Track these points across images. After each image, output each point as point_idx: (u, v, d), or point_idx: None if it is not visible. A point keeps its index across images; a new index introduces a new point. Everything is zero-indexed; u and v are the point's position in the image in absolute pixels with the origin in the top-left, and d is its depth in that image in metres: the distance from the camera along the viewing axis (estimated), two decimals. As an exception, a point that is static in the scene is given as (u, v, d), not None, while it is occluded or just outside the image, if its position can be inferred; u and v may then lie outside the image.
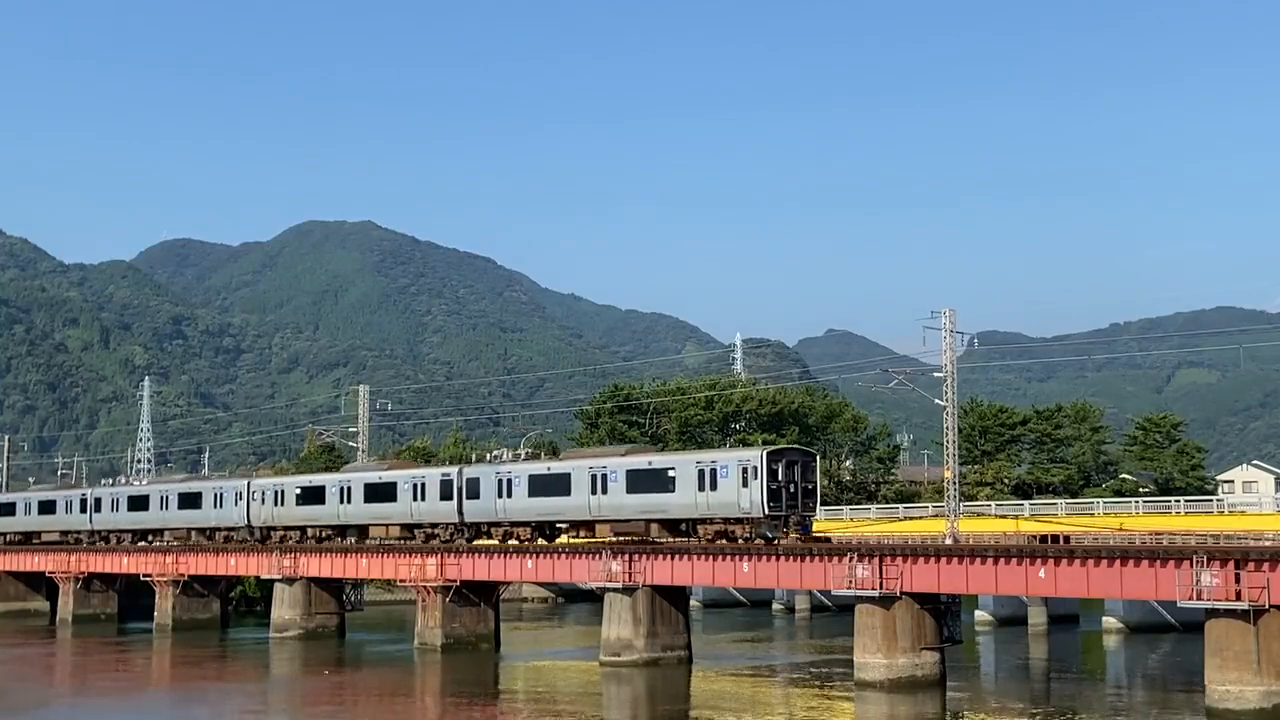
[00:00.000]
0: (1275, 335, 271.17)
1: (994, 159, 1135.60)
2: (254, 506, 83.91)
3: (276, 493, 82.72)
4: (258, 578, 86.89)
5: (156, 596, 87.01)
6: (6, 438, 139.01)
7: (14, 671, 68.05)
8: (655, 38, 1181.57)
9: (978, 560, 50.63)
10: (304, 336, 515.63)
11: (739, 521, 58.08)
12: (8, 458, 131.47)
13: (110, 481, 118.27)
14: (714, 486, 58.34)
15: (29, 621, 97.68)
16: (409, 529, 74.33)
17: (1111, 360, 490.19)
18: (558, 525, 67.90)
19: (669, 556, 59.25)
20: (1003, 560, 50.09)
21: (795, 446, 59.71)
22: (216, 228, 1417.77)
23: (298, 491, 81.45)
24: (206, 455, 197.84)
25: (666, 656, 59.77)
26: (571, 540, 66.12)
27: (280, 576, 78.01)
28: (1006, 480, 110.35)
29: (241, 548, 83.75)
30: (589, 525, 65.06)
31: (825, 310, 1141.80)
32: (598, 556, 61.28)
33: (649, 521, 61.70)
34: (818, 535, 62.24)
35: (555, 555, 65.36)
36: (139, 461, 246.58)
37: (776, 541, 56.61)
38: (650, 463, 62.65)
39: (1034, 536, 72.21)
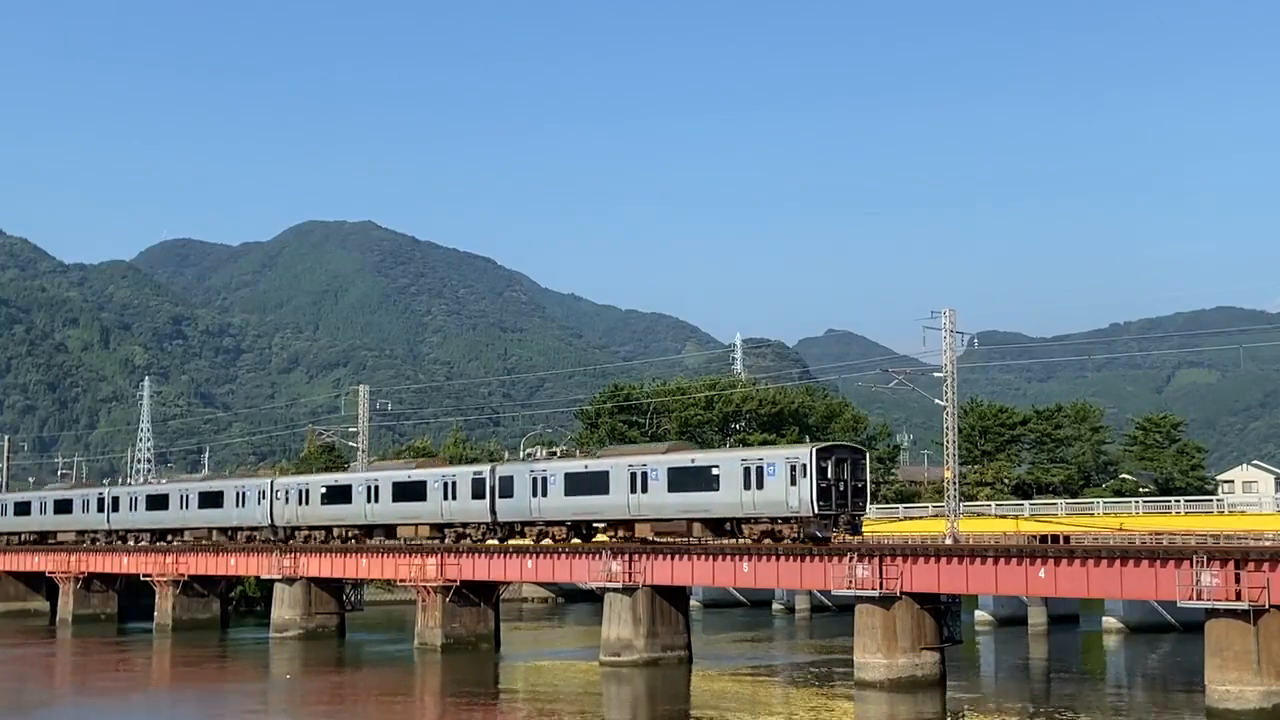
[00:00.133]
0: (1275, 335, 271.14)
1: (994, 159, 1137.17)
2: (278, 506, 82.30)
3: (301, 492, 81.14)
4: (258, 578, 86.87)
5: (156, 596, 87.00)
6: (6, 438, 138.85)
7: (14, 671, 68.03)
8: (655, 38, 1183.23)
9: (978, 560, 50.63)
10: (304, 336, 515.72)
11: (786, 521, 56.34)
12: (8, 458, 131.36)
13: (109, 481, 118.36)
14: (760, 485, 56.57)
15: (29, 621, 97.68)
16: (439, 528, 72.87)
17: (1111, 360, 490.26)
18: (594, 525, 66.34)
19: (669, 556, 59.25)
20: (1003, 560, 50.09)
21: (846, 444, 57.77)
22: (216, 228, 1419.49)
23: (323, 490, 79.78)
24: (206, 455, 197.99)
25: (666, 656, 59.77)
26: (611, 540, 64.23)
27: (280, 576, 78.00)
28: (1006, 480, 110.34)
29: (242, 548, 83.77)
30: (628, 525, 63.24)
31: (825, 310, 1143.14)
32: (598, 556, 61.26)
33: (691, 521, 59.95)
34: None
35: (555, 555, 65.34)
36: (139, 461, 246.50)
37: (828, 541, 54.88)
38: (693, 460, 60.85)
39: (1034, 536, 72.21)
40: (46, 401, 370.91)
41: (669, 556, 59.23)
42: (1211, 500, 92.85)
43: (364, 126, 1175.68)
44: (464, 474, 71.58)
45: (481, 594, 70.17)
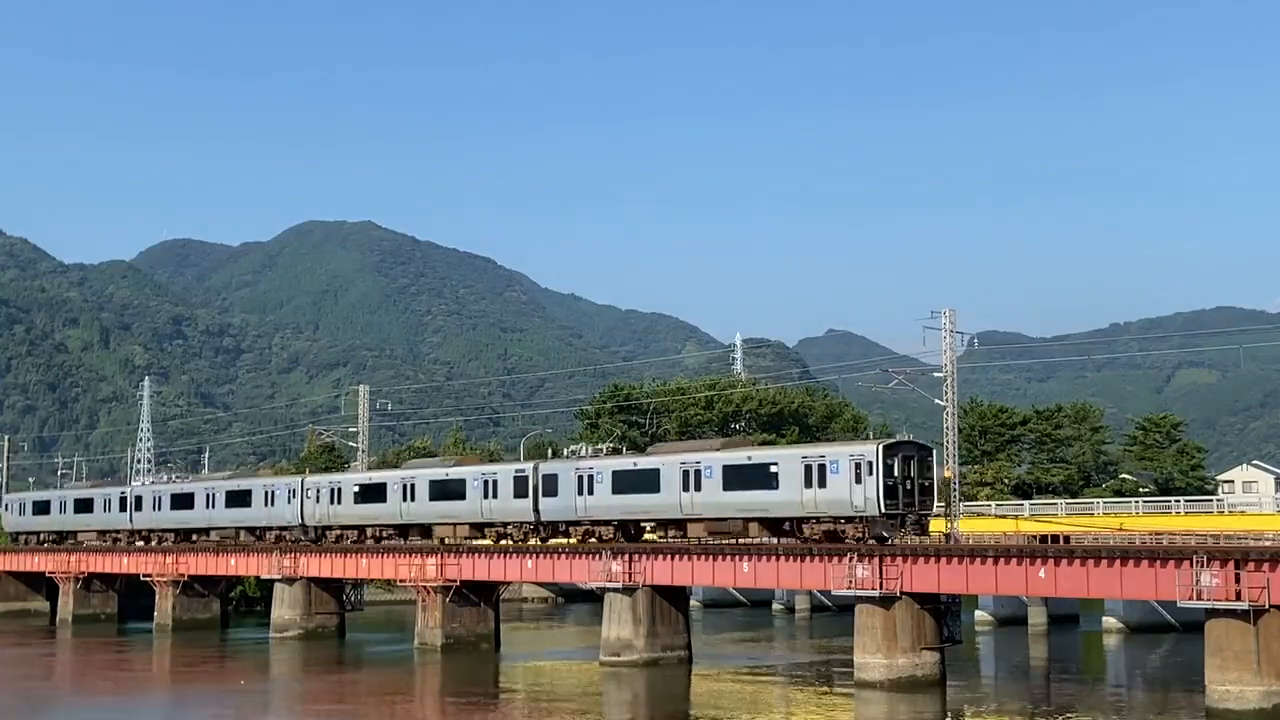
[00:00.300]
0: (1275, 335, 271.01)
1: (994, 159, 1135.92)
2: (308, 505, 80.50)
3: (333, 490, 79.25)
4: (258, 578, 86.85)
5: (156, 596, 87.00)
6: (6, 438, 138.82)
7: (14, 671, 68.03)
8: (655, 38, 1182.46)
9: (978, 560, 50.63)
10: (304, 336, 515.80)
11: (850, 520, 54.65)
12: (8, 458, 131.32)
13: (110, 481, 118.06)
14: (822, 483, 54.77)
15: (29, 621, 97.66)
16: (478, 528, 71.19)
17: (1111, 360, 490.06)
18: (642, 525, 65.00)
19: (669, 556, 59.23)
20: (1003, 560, 50.09)
21: (912, 440, 56.52)
22: (216, 228, 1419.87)
23: (356, 489, 77.94)
24: (206, 455, 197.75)
25: (666, 656, 59.74)
26: (660, 540, 62.78)
27: (280, 576, 77.98)
28: (1006, 480, 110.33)
29: (241, 548, 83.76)
30: (679, 524, 61.46)
31: (825, 310, 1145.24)
32: (598, 557, 61.26)
33: (748, 521, 58.30)
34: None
35: (555, 555, 65.32)
36: (139, 462, 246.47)
37: (893, 541, 53.37)
38: (750, 457, 59.05)
39: (1034, 536, 72.25)
40: (46, 401, 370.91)
41: (669, 556, 59.21)
42: (1211, 500, 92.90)
43: (364, 126, 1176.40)
44: (506, 472, 69.88)
45: (481, 594, 70.16)
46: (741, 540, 58.92)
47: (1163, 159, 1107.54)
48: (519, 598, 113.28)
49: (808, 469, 55.54)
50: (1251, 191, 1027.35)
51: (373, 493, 76.74)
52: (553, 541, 67.56)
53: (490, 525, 70.37)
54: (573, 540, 66.19)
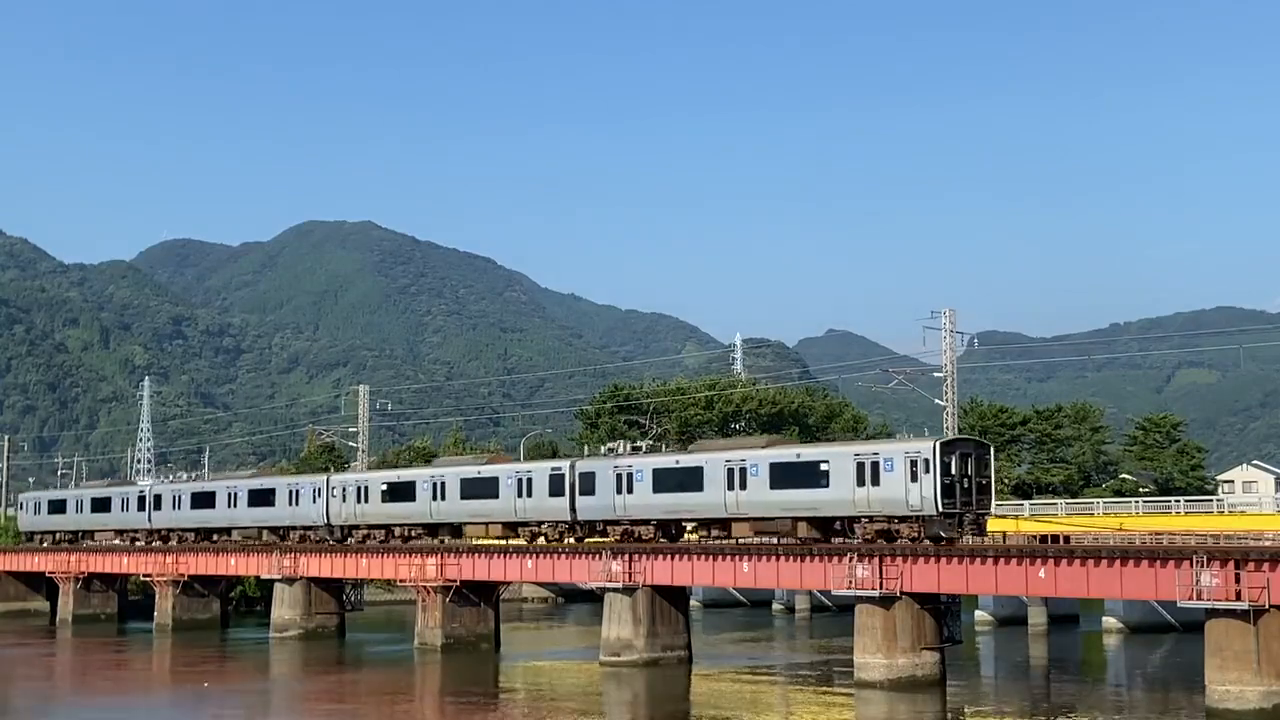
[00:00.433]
0: (1275, 335, 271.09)
1: (994, 159, 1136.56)
2: (334, 504, 78.48)
3: (360, 489, 77.36)
4: (258, 578, 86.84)
5: (156, 596, 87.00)
6: (6, 438, 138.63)
7: (14, 672, 68.03)
8: (655, 38, 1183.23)
9: (978, 560, 50.62)
10: (304, 336, 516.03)
11: (905, 520, 53.08)
12: (8, 458, 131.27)
13: (111, 481, 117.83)
14: (876, 481, 53.30)
15: (29, 621, 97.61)
16: (511, 527, 69.49)
17: (1111, 360, 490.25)
18: (683, 524, 63.69)
19: (669, 556, 59.23)
20: (1003, 560, 50.08)
21: (970, 437, 54.79)
22: (216, 228, 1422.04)
23: (384, 487, 76.12)
24: (206, 455, 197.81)
25: (666, 656, 59.70)
26: (702, 539, 61.53)
27: (280, 576, 77.98)
28: (1006, 480, 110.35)
29: (241, 547, 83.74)
30: (723, 524, 59.79)
31: (825, 310, 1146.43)
32: (598, 557, 61.25)
33: (796, 520, 56.72)
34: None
35: (555, 555, 65.31)
36: (139, 462, 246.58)
37: (952, 542, 51.98)
38: (799, 455, 57.69)
39: (1034, 536, 72.20)
40: (46, 401, 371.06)
41: (669, 556, 59.21)
42: (1211, 500, 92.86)
43: (364, 126, 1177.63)
44: (541, 470, 68.26)
45: (481, 594, 70.15)
46: (790, 540, 57.22)
47: (1163, 159, 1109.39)
48: (519, 598, 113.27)
49: (860, 467, 54.11)
50: (1251, 191, 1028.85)
51: (401, 491, 75.03)
52: (589, 541, 65.61)
53: (524, 525, 68.74)
54: (610, 540, 64.02)
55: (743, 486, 58.19)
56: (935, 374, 68.70)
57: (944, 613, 53.19)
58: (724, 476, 58.82)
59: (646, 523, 63.19)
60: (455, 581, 68.18)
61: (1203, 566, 44.03)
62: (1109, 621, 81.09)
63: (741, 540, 59.34)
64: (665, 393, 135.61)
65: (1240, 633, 42.89)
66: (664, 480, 61.63)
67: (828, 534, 56.43)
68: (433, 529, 74.11)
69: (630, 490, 62.76)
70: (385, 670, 65.99)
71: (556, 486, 66.26)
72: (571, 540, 66.18)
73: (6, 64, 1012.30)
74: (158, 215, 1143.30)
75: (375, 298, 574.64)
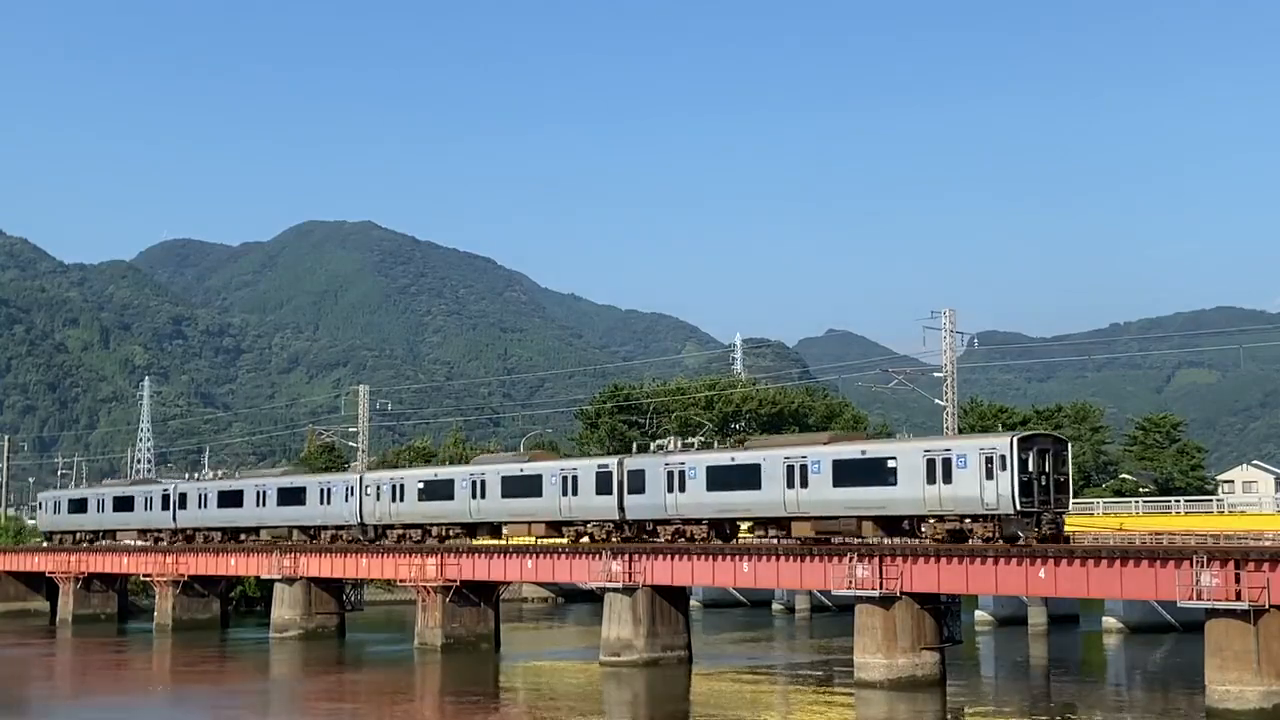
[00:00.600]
0: (1275, 335, 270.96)
1: (994, 159, 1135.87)
2: (368, 502, 76.48)
3: (395, 487, 75.33)
4: (258, 578, 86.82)
5: (156, 596, 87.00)
6: (6, 438, 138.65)
7: (14, 671, 68.02)
8: (655, 38, 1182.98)
9: (978, 560, 50.60)
10: (304, 336, 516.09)
11: (978, 519, 51.06)
12: (8, 458, 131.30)
13: (111, 481, 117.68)
14: (947, 478, 51.28)
15: (29, 621, 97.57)
16: (555, 527, 67.21)
17: (1111, 360, 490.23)
18: (738, 523, 61.96)
19: (669, 556, 59.24)
20: (1003, 560, 50.06)
21: (1047, 432, 52.58)
22: (216, 228, 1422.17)
23: (420, 486, 74.04)
24: (206, 455, 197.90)
25: (666, 656, 59.70)
26: (759, 539, 59.71)
27: (280, 576, 77.99)
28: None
29: (241, 547, 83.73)
30: (781, 523, 57.86)
31: (825, 310, 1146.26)
32: (598, 557, 61.26)
33: (861, 519, 54.66)
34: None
35: (555, 555, 65.32)
36: (139, 462, 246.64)
37: (1027, 541, 50.04)
38: (863, 452, 55.44)
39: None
40: (46, 401, 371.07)
41: (669, 556, 59.21)
42: (1211, 500, 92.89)
43: (364, 126, 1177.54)
44: (587, 467, 65.98)
45: (481, 594, 70.16)
46: (854, 539, 55.09)
47: (1163, 159, 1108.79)
48: (519, 598, 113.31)
49: (930, 463, 52.07)
50: (1251, 191, 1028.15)
51: (439, 489, 72.93)
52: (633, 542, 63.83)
53: (569, 524, 66.54)
54: (661, 540, 62.10)
55: (803, 484, 56.18)
56: (935, 374, 68.68)
57: (944, 613, 53.18)
58: (783, 474, 56.75)
59: (699, 522, 61.10)
60: (455, 581, 68.19)
61: (1203, 566, 44.02)
62: (1109, 621, 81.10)
63: (803, 540, 57.17)
64: (665, 393, 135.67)
65: (1240, 633, 42.89)
66: (719, 478, 59.50)
67: (894, 533, 54.57)
68: (471, 529, 72.29)
69: (682, 488, 60.71)
70: (385, 670, 65.99)
71: (604, 484, 64.08)
72: (617, 540, 63.95)
73: (6, 64, 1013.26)
74: (158, 215, 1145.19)
75: (375, 298, 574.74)
